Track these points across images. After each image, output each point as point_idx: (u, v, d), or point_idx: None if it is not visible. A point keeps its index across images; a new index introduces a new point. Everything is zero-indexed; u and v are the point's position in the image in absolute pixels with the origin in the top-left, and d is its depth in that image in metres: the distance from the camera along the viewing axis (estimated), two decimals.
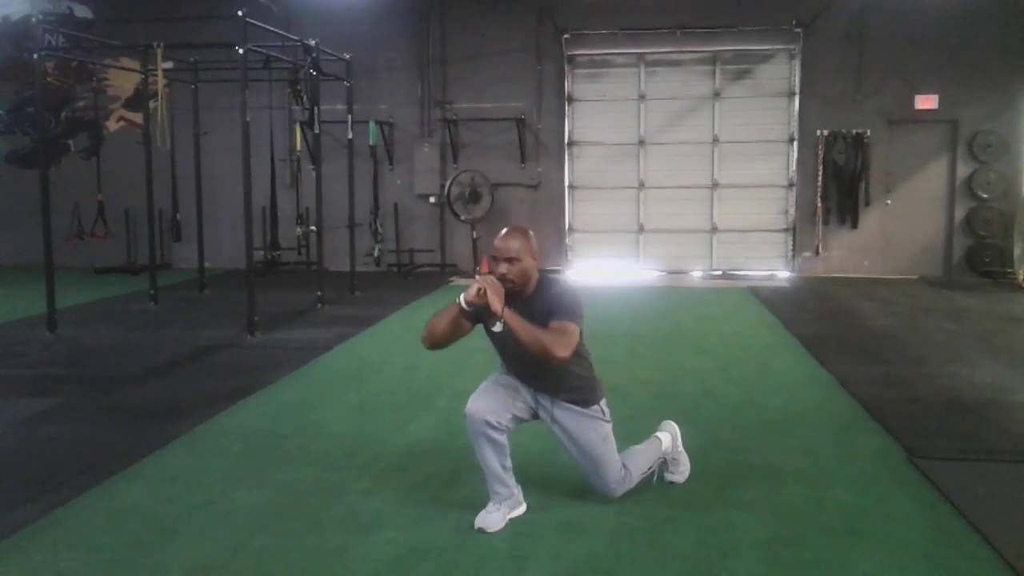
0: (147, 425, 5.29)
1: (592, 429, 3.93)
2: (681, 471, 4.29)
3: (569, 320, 3.69)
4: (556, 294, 3.78)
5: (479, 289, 3.58)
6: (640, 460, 4.10)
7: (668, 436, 4.28)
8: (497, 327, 3.67)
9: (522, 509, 3.88)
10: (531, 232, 3.85)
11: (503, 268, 3.71)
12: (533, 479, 4.13)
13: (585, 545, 3.60)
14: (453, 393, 5.99)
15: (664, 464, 4.26)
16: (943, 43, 12.25)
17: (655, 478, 4.20)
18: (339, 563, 3.45)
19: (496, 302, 3.55)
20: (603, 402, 4.01)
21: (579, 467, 4.03)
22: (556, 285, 3.86)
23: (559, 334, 3.63)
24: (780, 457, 4.70)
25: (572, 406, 3.92)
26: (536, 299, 3.79)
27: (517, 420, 3.91)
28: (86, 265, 13.03)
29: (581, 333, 3.78)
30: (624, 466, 4.00)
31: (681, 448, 4.32)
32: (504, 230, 3.83)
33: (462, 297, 3.68)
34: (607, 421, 3.99)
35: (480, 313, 3.72)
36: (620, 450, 4.05)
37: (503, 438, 3.81)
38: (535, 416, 3.98)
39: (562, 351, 3.61)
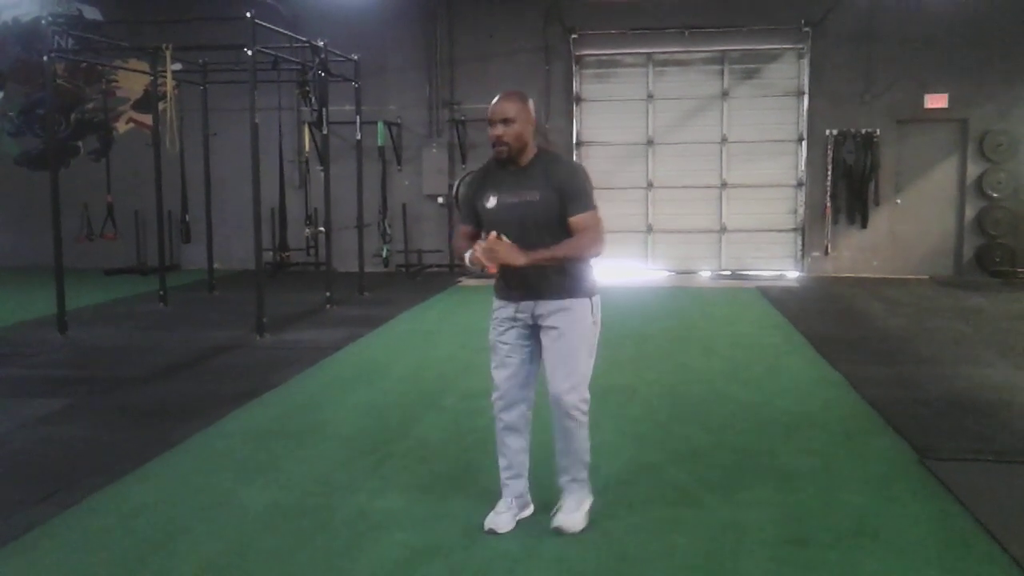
0: (157, 426, 5.30)
1: (576, 321, 3.62)
2: (575, 522, 3.74)
3: (587, 209, 3.60)
4: (569, 176, 3.64)
5: (490, 252, 3.47)
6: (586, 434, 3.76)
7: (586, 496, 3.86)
8: (491, 202, 3.63)
9: (530, 510, 3.87)
10: (529, 97, 3.69)
11: (499, 130, 3.56)
12: (541, 480, 4.12)
13: (593, 546, 3.59)
14: (461, 393, 6.00)
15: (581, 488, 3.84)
16: (953, 42, 12.21)
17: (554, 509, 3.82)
18: (348, 563, 3.45)
19: (518, 258, 3.46)
20: (596, 298, 3.72)
21: (545, 368, 3.69)
22: (563, 162, 3.74)
23: (590, 231, 3.56)
24: (789, 458, 4.68)
25: (560, 300, 3.63)
26: (536, 168, 3.63)
27: (530, 372, 3.75)
28: (96, 266, 13.07)
29: None
30: (585, 400, 3.67)
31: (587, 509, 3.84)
32: (499, 94, 3.67)
33: (467, 257, 3.61)
34: (596, 324, 3.71)
35: (473, 204, 3.70)
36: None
37: (526, 425, 3.79)
38: (534, 330, 3.70)
39: (597, 246, 3.58)
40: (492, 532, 3.70)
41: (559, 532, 3.68)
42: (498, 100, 3.62)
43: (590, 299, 3.70)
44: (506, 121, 3.55)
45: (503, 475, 3.84)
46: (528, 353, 3.74)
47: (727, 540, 3.63)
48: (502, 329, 3.75)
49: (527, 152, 3.64)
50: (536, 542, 3.62)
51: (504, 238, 3.54)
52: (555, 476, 3.84)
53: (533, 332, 3.72)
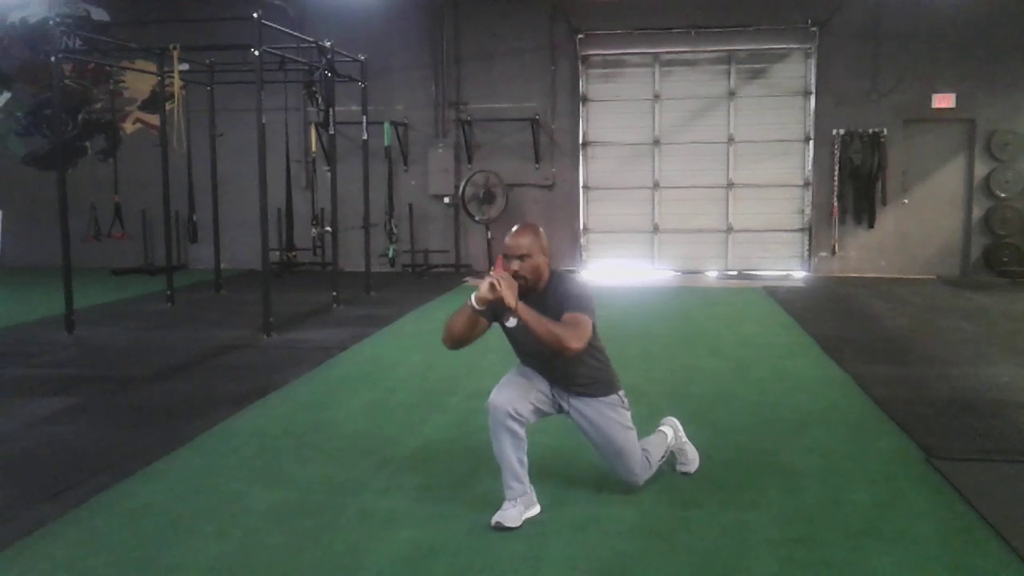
0: (164, 425, 5.32)
1: (613, 418, 3.98)
2: (691, 460, 4.39)
3: (581, 312, 3.74)
4: (567, 288, 3.84)
5: (491, 285, 3.62)
6: (655, 448, 4.19)
7: (670, 429, 4.36)
8: (511, 322, 3.75)
9: (536, 510, 3.87)
10: (541, 228, 3.90)
11: (515, 265, 3.77)
12: (548, 478, 4.13)
13: (600, 545, 3.59)
14: (467, 393, 6.00)
15: (672, 456, 4.33)
16: (960, 41, 12.18)
17: (666, 469, 4.30)
18: (353, 562, 3.46)
19: (510, 296, 3.61)
20: (621, 392, 4.06)
21: (602, 457, 4.10)
22: (567, 280, 3.90)
23: (572, 326, 3.68)
24: (796, 457, 4.68)
25: (590, 397, 3.97)
26: (548, 294, 3.83)
27: (539, 412, 3.96)
28: (103, 266, 13.11)
29: (594, 326, 3.82)
30: (644, 450, 4.07)
31: (685, 439, 4.41)
32: (514, 227, 3.89)
33: (473, 297, 3.73)
34: (626, 409, 4.05)
35: (495, 309, 3.78)
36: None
37: (522, 431, 3.84)
38: (559, 409, 4.03)
39: (576, 343, 3.66)
40: (499, 526, 3.71)
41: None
42: (513, 235, 3.84)
43: (619, 394, 4.05)
44: (522, 257, 3.78)
45: (504, 478, 3.85)
46: (542, 415, 4.01)
47: (733, 539, 3.63)
48: (527, 382, 3.95)
49: (542, 280, 3.86)
50: (542, 541, 3.62)
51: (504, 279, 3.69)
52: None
53: (557, 405, 4.03)
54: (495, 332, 3.94)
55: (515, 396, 3.84)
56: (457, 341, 3.90)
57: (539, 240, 3.81)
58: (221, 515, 3.93)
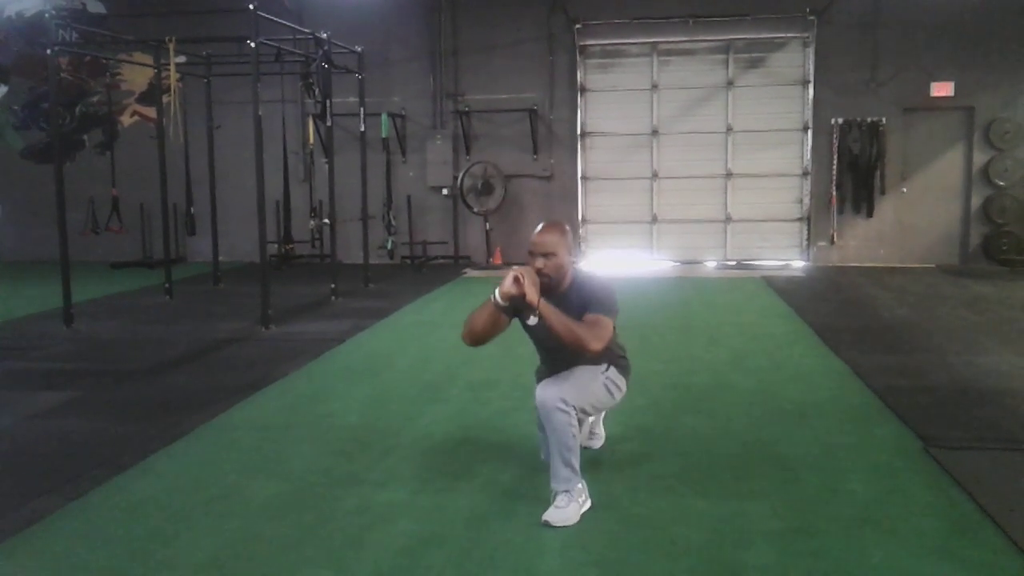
0: (162, 418, 5.31)
1: (590, 371, 3.92)
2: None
3: (604, 313, 3.73)
4: (592, 288, 3.82)
5: (515, 278, 3.59)
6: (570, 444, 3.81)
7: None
8: (532, 320, 3.72)
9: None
10: (567, 227, 3.87)
11: (539, 263, 3.74)
12: (545, 469, 4.12)
13: (597, 535, 3.59)
14: (466, 385, 6.01)
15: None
16: (959, 29, 12.14)
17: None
18: (352, 553, 3.46)
19: (532, 292, 3.58)
20: (619, 367, 4.05)
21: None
22: (592, 280, 3.89)
23: (593, 327, 3.67)
24: (794, 447, 4.68)
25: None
26: (572, 294, 3.81)
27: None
28: (101, 259, 13.10)
29: (615, 327, 3.82)
30: (567, 403, 3.73)
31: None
32: (540, 225, 3.85)
33: (497, 292, 3.69)
34: (607, 378, 3.97)
35: (517, 307, 3.73)
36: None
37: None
38: None
39: (596, 343, 3.65)
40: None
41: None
42: (540, 232, 3.80)
43: (614, 366, 4.00)
44: (547, 255, 3.74)
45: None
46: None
47: (731, 530, 3.63)
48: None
49: (566, 279, 3.82)
50: (541, 532, 3.62)
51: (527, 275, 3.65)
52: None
53: None
54: (515, 326, 3.94)
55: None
56: (478, 338, 3.85)
57: (565, 239, 3.79)
58: (219, 508, 3.93)
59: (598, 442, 4.48)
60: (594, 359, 3.87)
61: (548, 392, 3.76)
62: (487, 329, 3.79)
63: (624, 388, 4.11)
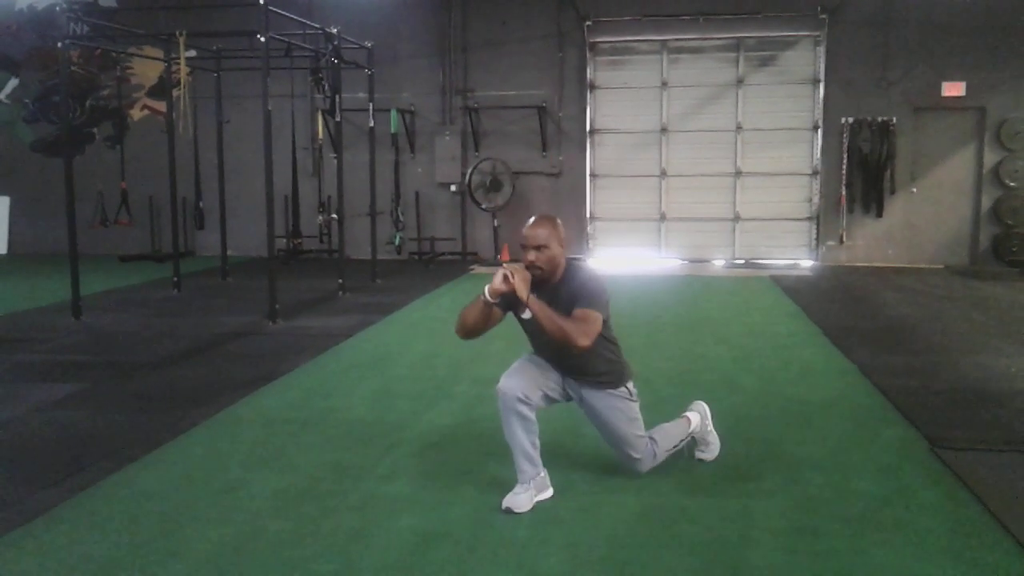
0: (169, 411, 5.33)
1: (619, 409, 3.99)
2: (711, 450, 4.37)
3: (592, 308, 3.74)
4: (581, 281, 3.83)
5: (504, 276, 3.62)
6: (668, 437, 4.17)
7: (697, 416, 4.33)
8: (526, 314, 3.74)
9: (548, 493, 3.89)
10: (559, 220, 3.90)
11: (531, 256, 3.76)
12: (552, 465, 4.10)
13: (603, 532, 3.59)
14: (472, 380, 6.00)
15: (693, 442, 4.32)
16: (970, 29, 12.09)
17: (686, 455, 4.29)
18: (357, 548, 3.46)
19: (522, 289, 3.62)
20: (630, 384, 4.07)
21: (607, 443, 4.12)
22: (582, 272, 3.90)
23: (581, 323, 3.69)
24: (800, 446, 4.67)
25: (599, 388, 3.98)
26: (563, 286, 3.84)
27: (548, 399, 3.98)
28: (110, 253, 13.14)
29: (607, 320, 3.84)
30: (652, 439, 4.07)
31: (711, 427, 4.38)
32: (532, 218, 3.87)
33: (487, 289, 3.73)
34: (634, 401, 4.05)
35: (509, 301, 3.78)
36: (649, 427, 4.14)
37: (533, 415, 3.86)
38: (567, 398, 4.05)
39: (583, 340, 3.67)
40: (509, 511, 3.73)
41: None
42: (531, 226, 3.82)
43: (627, 386, 4.05)
44: (539, 248, 3.76)
45: (517, 461, 3.86)
46: (551, 402, 4.03)
47: (736, 528, 3.62)
48: (539, 361, 3.98)
49: (558, 271, 3.85)
50: (545, 528, 3.62)
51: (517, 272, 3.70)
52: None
53: (568, 397, 4.07)
54: (508, 320, 3.94)
55: (524, 382, 3.86)
56: (470, 331, 3.91)
57: (557, 231, 3.81)
58: (225, 501, 3.94)
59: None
60: (611, 376, 3.99)
61: (631, 460, 4.04)
62: (478, 324, 3.86)
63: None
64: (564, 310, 3.73)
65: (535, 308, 3.66)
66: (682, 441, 4.23)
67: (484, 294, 3.75)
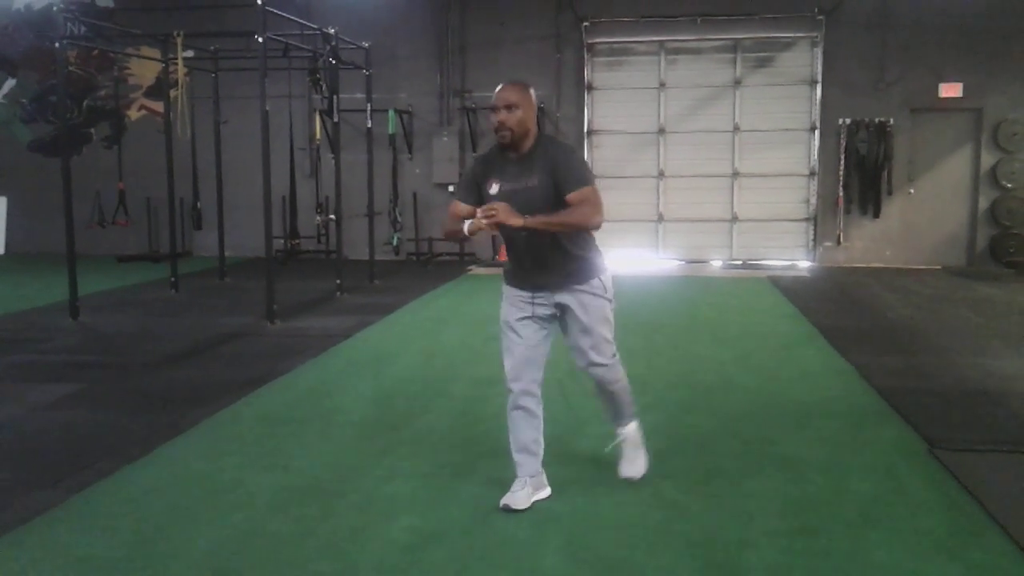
0: (167, 411, 5.33)
1: (591, 306, 3.82)
2: (638, 467, 4.12)
3: (584, 184, 3.68)
4: (563, 158, 3.73)
5: (491, 217, 3.53)
6: (625, 380, 4.02)
7: (636, 424, 4.16)
8: (494, 189, 3.72)
9: (546, 492, 3.89)
10: (532, 87, 3.82)
11: (502, 115, 3.68)
12: (548, 467, 4.11)
13: (601, 533, 3.60)
14: (470, 381, 6.01)
15: (623, 451, 4.13)
16: (968, 30, 12.10)
17: (612, 445, 4.17)
18: (355, 548, 3.46)
19: (515, 219, 3.54)
20: (603, 276, 3.90)
21: (575, 350, 3.91)
22: (558, 146, 3.83)
23: (586, 204, 3.65)
24: (798, 447, 4.67)
25: (573, 285, 3.82)
26: (536, 155, 3.73)
27: (545, 343, 3.89)
28: (108, 253, 13.13)
29: None
30: (615, 355, 3.92)
31: (643, 446, 4.19)
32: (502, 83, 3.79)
33: (467, 228, 3.66)
34: (607, 299, 3.87)
35: (481, 195, 3.77)
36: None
37: (539, 409, 3.85)
38: (551, 317, 3.88)
39: (596, 218, 3.68)
40: (507, 508, 3.73)
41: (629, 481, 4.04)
42: (502, 88, 3.74)
43: (599, 278, 3.87)
44: (509, 107, 3.68)
45: (516, 456, 3.86)
46: (542, 338, 3.87)
47: (734, 528, 3.63)
48: (516, 315, 3.85)
49: (529, 138, 3.76)
50: (543, 529, 3.62)
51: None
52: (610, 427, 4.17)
53: (549, 319, 3.87)
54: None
55: (531, 372, 3.81)
56: (456, 238, 3.87)
57: (527, 95, 3.71)
58: (223, 501, 3.94)
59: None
60: (585, 265, 3.83)
61: (588, 360, 3.85)
62: (460, 232, 3.75)
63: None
64: (538, 180, 3.66)
65: (535, 224, 3.56)
66: (629, 406, 4.09)
67: (465, 230, 3.68)
